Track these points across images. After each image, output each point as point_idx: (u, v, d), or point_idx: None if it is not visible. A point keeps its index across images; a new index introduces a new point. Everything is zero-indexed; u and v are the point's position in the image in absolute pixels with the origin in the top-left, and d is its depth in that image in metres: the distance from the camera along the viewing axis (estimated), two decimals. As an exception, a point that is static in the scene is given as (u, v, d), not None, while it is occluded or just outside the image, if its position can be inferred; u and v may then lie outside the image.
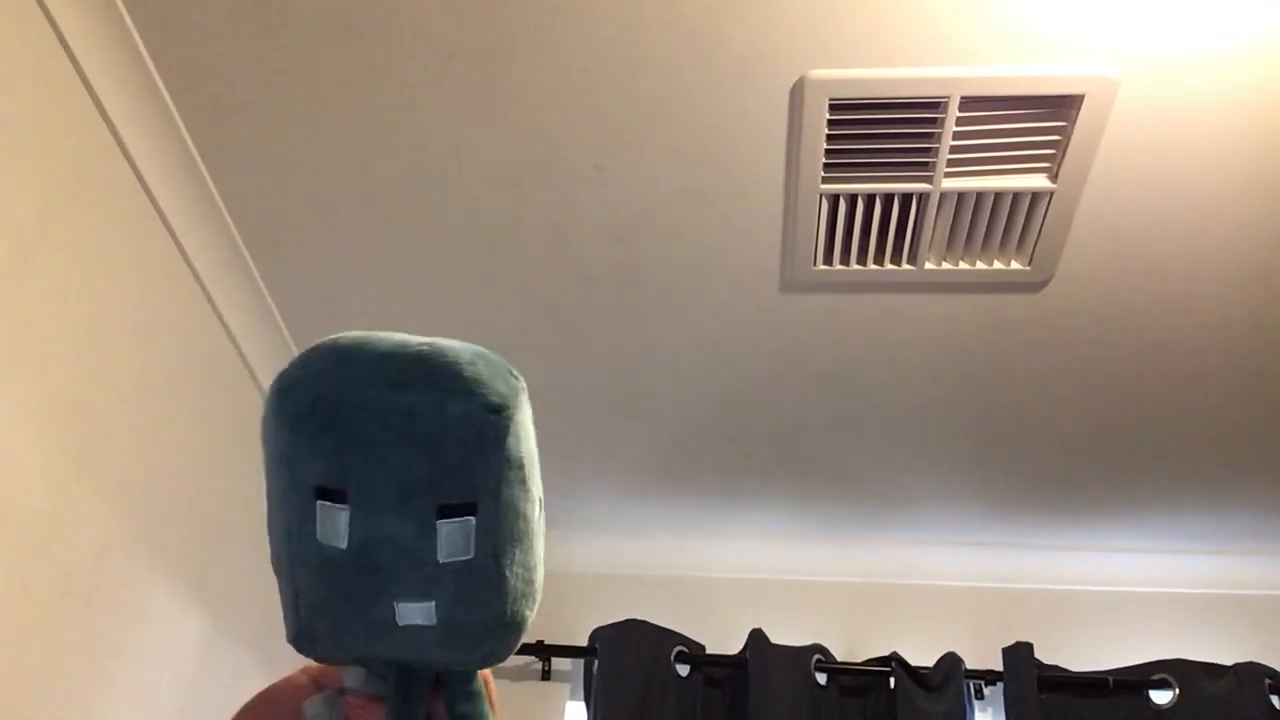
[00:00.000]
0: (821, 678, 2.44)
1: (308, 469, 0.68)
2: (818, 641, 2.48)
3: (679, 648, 2.45)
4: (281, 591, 0.74)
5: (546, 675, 2.53)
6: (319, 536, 0.68)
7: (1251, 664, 2.40)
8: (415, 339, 0.72)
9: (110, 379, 1.59)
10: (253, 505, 2.12)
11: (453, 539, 0.67)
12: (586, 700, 2.45)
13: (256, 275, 1.93)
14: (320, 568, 0.68)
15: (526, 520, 0.73)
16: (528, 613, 0.75)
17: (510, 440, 0.70)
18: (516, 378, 0.74)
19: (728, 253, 1.83)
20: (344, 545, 0.67)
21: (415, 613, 0.68)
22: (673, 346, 2.06)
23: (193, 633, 1.85)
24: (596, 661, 2.44)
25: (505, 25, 1.48)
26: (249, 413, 2.07)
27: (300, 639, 0.73)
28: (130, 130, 1.58)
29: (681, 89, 1.55)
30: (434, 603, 0.68)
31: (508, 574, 0.70)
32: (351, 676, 0.77)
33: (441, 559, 0.67)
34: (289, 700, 0.76)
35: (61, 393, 1.47)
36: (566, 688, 2.56)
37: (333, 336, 0.74)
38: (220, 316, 1.91)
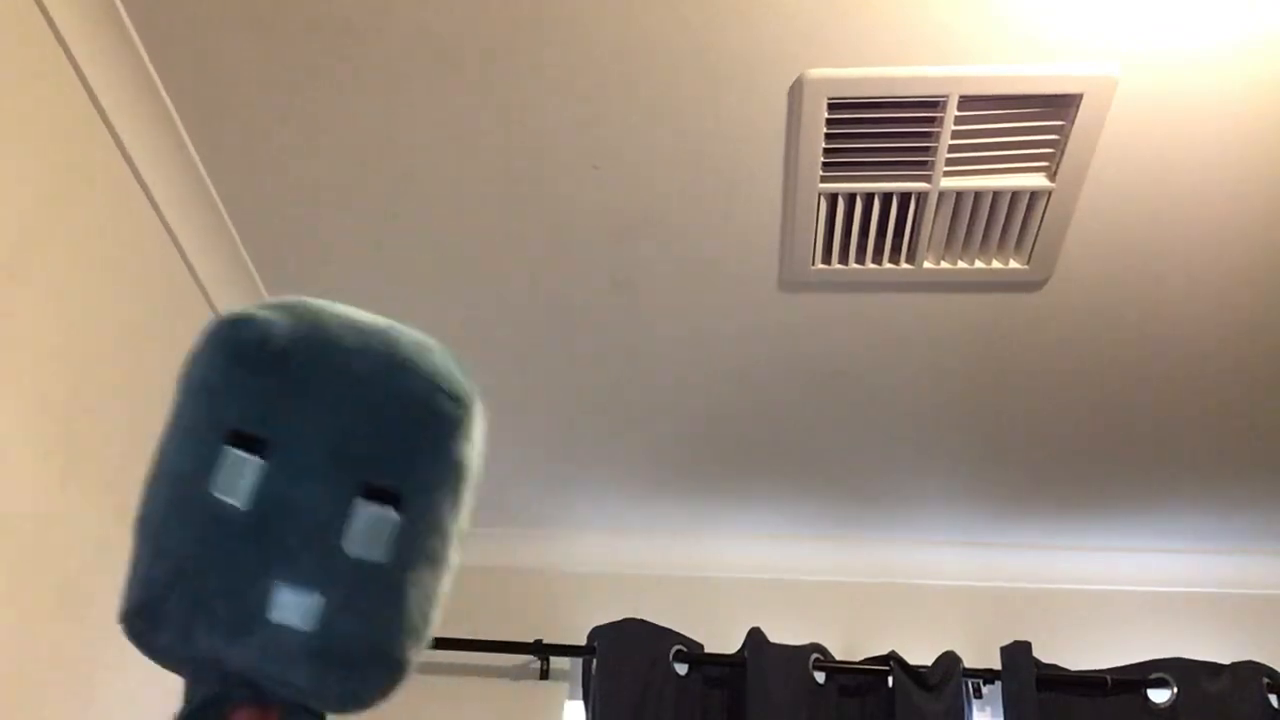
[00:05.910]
0: (820, 677, 2.44)
1: (230, 406, 0.61)
2: (816, 641, 2.48)
3: (677, 646, 2.45)
4: (135, 553, 0.63)
5: (545, 674, 2.53)
6: (215, 488, 0.60)
7: (1249, 663, 2.40)
8: (381, 319, 0.68)
9: (107, 379, 1.59)
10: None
11: (371, 529, 0.60)
12: (585, 699, 2.45)
13: (255, 275, 1.93)
14: (204, 525, 0.60)
15: (445, 542, 0.64)
16: (411, 655, 0.63)
17: (460, 439, 0.63)
18: (473, 387, 0.67)
19: (726, 252, 1.83)
20: (242, 504, 0.59)
21: (294, 607, 0.59)
22: (671, 346, 2.06)
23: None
24: (595, 660, 2.44)
25: (504, 26, 1.48)
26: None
27: (139, 617, 0.61)
28: (128, 130, 1.58)
29: (680, 88, 1.55)
30: (321, 599, 0.59)
31: (410, 594, 0.61)
32: None
33: (349, 550, 0.59)
34: None
35: (58, 394, 1.47)
36: (565, 686, 2.56)
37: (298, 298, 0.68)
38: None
